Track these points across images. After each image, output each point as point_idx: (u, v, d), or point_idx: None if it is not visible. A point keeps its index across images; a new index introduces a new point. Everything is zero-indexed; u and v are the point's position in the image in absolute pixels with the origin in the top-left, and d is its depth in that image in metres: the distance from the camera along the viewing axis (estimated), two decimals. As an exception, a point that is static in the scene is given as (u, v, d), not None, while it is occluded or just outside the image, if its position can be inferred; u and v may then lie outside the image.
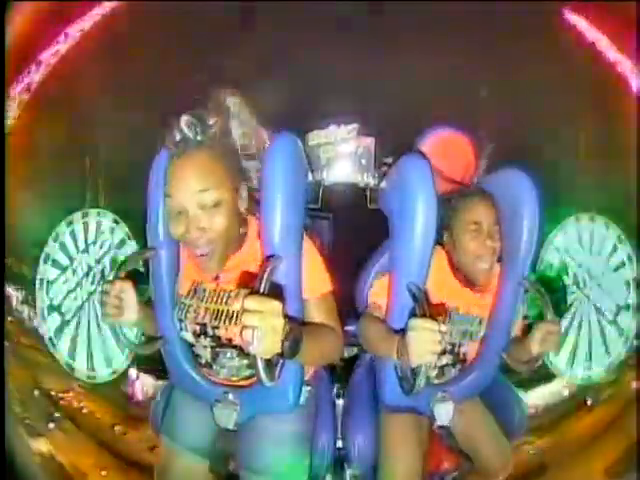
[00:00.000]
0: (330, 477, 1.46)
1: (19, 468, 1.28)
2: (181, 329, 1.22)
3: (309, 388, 1.32)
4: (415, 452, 1.34)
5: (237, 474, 1.27)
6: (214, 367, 1.23)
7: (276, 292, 0.97)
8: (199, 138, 1.04)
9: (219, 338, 1.18)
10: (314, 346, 1.05)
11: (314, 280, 1.16)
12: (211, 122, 1.06)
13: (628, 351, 1.43)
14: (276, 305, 0.86)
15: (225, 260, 1.10)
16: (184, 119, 1.03)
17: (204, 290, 1.19)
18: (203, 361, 1.24)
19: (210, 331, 1.19)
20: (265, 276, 0.90)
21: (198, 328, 1.20)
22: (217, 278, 1.16)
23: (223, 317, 1.16)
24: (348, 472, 1.43)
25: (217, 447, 1.29)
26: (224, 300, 1.16)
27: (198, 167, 1.02)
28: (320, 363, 1.36)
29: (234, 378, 1.23)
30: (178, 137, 1.04)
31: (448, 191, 1.43)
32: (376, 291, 1.42)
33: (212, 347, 1.20)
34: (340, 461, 1.48)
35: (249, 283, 0.93)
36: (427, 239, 1.25)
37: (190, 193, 1.02)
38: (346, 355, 1.81)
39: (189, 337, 1.22)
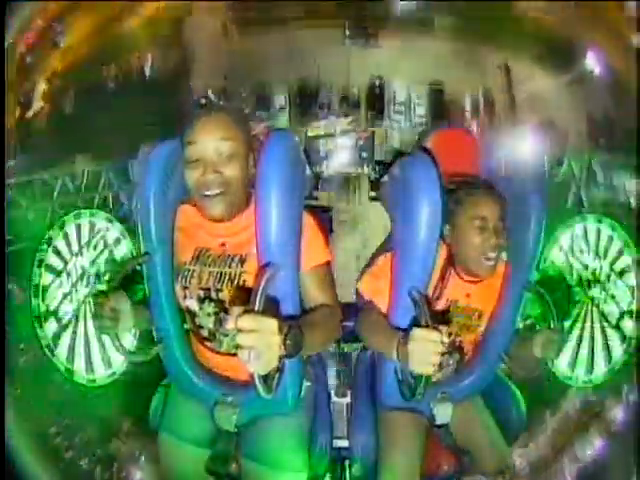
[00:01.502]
0: (330, 476, 1.48)
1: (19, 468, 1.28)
2: (185, 296, 1.22)
3: (308, 384, 1.33)
4: (414, 451, 1.36)
5: (237, 475, 1.28)
6: (217, 336, 1.23)
7: (272, 302, 0.96)
8: (221, 103, 1.19)
9: (222, 302, 1.19)
10: (314, 336, 1.05)
11: (310, 251, 1.17)
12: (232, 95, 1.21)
13: (630, 356, 1.43)
14: (271, 322, 0.85)
15: (230, 209, 1.14)
16: (211, 90, 1.21)
17: (208, 256, 1.20)
18: (206, 332, 1.24)
19: (214, 294, 1.19)
20: (259, 292, 0.89)
21: (202, 293, 1.20)
22: (223, 245, 1.18)
23: (226, 280, 1.18)
24: (348, 472, 1.45)
25: (217, 448, 1.30)
26: (228, 263, 1.18)
27: (220, 122, 1.12)
28: (323, 349, 1.42)
29: (234, 350, 1.22)
30: (203, 101, 1.18)
31: (452, 183, 1.39)
32: (371, 287, 1.39)
33: (216, 313, 1.20)
34: (340, 460, 1.50)
35: (243, 297, 0.91)
36: (431, 242, 1.22)
37: (211, 139, 1.10)
38: (346, 351, 1.81)
39: (193, 304, 1.22)
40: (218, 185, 1.11)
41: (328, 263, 1.23)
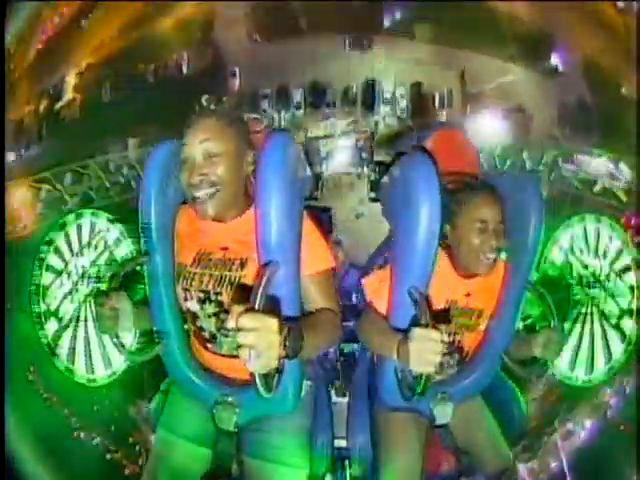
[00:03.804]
0: (330, 476, 1.48)
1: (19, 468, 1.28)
2: (186, 298, 1.23)
3: (310, 383, 1.33)
4: (415, 451, 1.36)
5: (237, 476, 1.28)
6: (218, 338, 1.23)
7: (273, 301, 0.96)
8: (212, 107, 1.11)
9: (222, 304, 1.19)
10: (315, 339, 1.06)
11: (313, 256, 1.17)
12: (224, 99, 1.15)
13: (630, 356, 1.43)
14: (271, 322, 0.85)
15: (223, 209, 1.14)
16: (205, 97, 1.16)
17: (210, 259, 1.20)
18: (207, 334, 1.24)
19: (213, 297, 1.19)
20: (260, 291, 0.89)
21: (202, 295, 1.21)
22: (225, 249, 1.18)
23: (226, 283, 1.18)
24: (348, 472, 1.45)
25: (218, 448, 1.30)
26: (228, 267, 1.18)
27: (206, 123, 1.15)
28: (322, 352, 1.39)
29: (235, 352, 1.23)
30: (197, 109, 1.16)
31: (454, 183, 1.39)
32: (373, 288, 1.40)
33: (216, 315, 1.20)
34: (340, 460, 1.50)
35: (243, 297, 0.91)
36: (431, 242, 1.22)
37: (196, 141, 1.13)
38: (346, 351, 1.81)
39: (194, 305, 1.22)
40: (206, 186, 1.12)
41: (331, 269, 1.22)
